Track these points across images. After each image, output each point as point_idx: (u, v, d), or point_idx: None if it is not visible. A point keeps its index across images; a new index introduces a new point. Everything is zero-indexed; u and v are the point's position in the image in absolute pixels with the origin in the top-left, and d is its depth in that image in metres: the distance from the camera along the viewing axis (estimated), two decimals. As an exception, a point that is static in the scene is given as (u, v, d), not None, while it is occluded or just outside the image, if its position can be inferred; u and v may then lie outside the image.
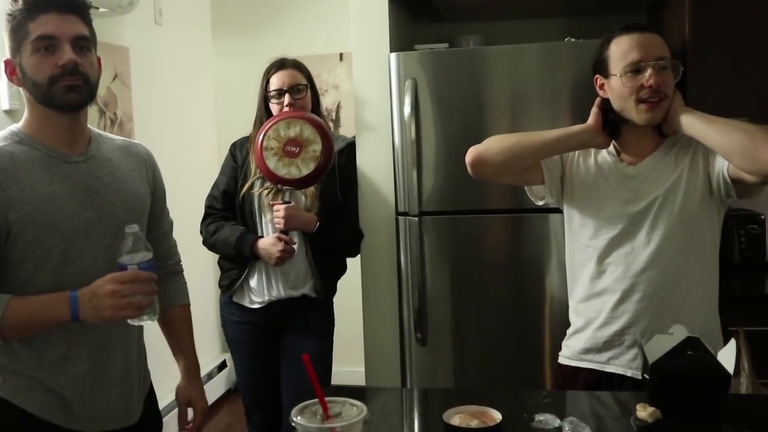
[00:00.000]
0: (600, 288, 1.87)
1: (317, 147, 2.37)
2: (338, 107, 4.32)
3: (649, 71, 1.77)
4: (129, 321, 1.56)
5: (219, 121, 4.42)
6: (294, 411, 1.30)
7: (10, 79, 1.62)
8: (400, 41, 2.82)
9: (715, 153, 1.77)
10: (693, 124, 1.76)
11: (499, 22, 3.14)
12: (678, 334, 1.55)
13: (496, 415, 1.45)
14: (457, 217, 2.64)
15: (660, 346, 1.52)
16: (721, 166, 1.77)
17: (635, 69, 1.79)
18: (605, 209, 1.86)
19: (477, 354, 2.67)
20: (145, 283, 1.53)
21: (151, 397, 1.86)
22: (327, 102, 4.32)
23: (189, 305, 1.98)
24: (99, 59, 1.69)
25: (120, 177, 1.72)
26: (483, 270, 2.64)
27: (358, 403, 1.32)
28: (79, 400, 1.63)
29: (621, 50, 1.82)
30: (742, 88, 2.57)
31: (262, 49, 3.96)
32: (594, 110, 1.87)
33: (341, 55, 4.23)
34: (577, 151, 1.95)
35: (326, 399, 1.30)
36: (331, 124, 4.30)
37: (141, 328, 1.79)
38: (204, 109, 4.36)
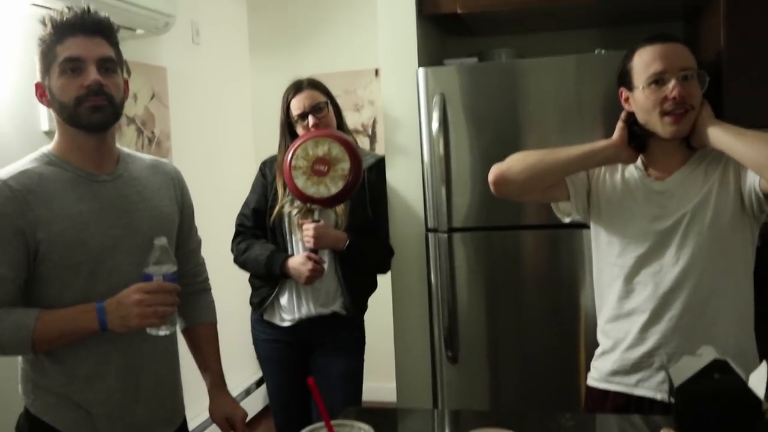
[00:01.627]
0: (628, 308, 1.82)
1: (346, 165, 2.36)
2: (374, 123, 4.32)
3: (672, 82, 1.72)
4: (148, 330, 1.60)
5: (257, 137, 4.47)
6: (301, 434, 1.29)
7: (41, 101, 1.67)
8: (431, 56, 2.81)
9: (746, 167, 1.71)
10: (721, 136, 1.70)
11: (530, 34, 3.10)
12: (707, 356, 1.49)
13: (516, 440, 1.41)
14: (488, 233, 2.61)
15: (687, 368, 1.47)
16: (753, 180, 1.70)
17: (658, 80, 1.74)
18: (632, 226, 1.81)
19: (509, 373, 2.62)
20: (169, 294, 1.58)
21: (180, 412, 1.87)
22: (363, 117, 4.33)
23: (215, 323, 1.99)
24: (126, 81, 1.73)
25: (148, 195, 1.75)
26: (515, 286, 2.61)
27: (365, 426, 1.31)
28: (107, 416, 1.66)
29: (644, 62, 1.77)
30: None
31: (299, 65, 4.03)
32: (619, 125, 1.83)
33: (376, 70, 4.24)
34: (603, 167, 1.90)
35: (334, 422, 1.29)
36: (367, 140, 4.32)
37: (175, 344, 1.83)
38: (242, 125, 4.42)
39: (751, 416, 1.39)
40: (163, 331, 1.62)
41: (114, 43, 1.66)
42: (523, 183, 1.86)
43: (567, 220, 1.99)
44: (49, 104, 1.65)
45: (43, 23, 1.61)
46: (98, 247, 1.61)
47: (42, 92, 1.64)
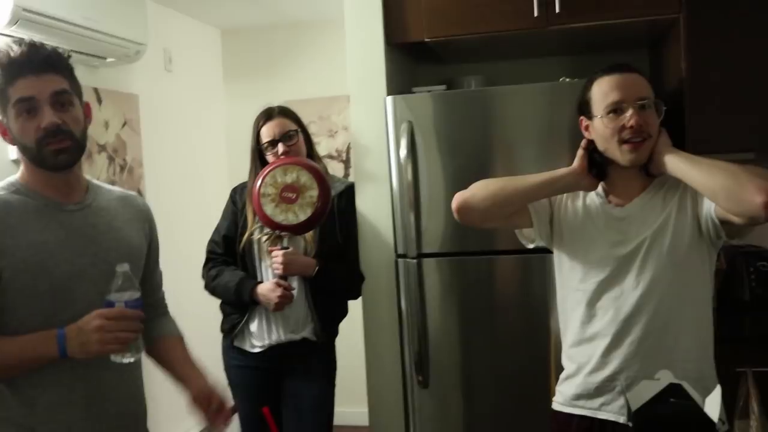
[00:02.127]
0: (590, 333, 1.84)
1: (314, 193, 2.38)
2: (348, 148, 4.35)
3: (630, 111, 1.76)
4: (112, 357, 1.58)
5: (231, 164, 4.47)
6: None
7: (4, 139, 1.66)
8: (400, 84, 2.85)
9: (701, 210, 1.75)
10: (677, 164, 1.74)
11: (499, 62, 3.15)
12: (664, 380, 1.52)
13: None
14: (458, 258, 2.63)
15: (645, 392, 1.49)
16: (709, 207, 1.74)
17: (616, 109, 1.78)
18: (593, 252, 1.84)
19: (481, 397, 2.63)
20: (131, 320, 1.56)
21: None
22: (337, 143, 4.36)
23: (181, 337, 1.95)
24: (88, 105, 1.72)
25: (116, 225, 1.75)
26: (485, 311, 2.62)
27: None
28: None
29: (602, 91, 1.81)
30: (741, 124, 2.55)
31: (274, 91, 4.05)
32: (579, 152, 1.86)
33: (350, 97, 4.27)
34: (565, 194, 1.93)
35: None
36: (341, 165, 4.35)
37: (140, 374, 1.81)
38: (216, 152, 4.43)
39: (706, 439, 1.41)
40: (127, 359, 1.59)
41: (67, 74, 1.64)
42: (485, 210, 1.88)
43: (531, 245, 2.01)
44: (12, 142, 1.64)
45: None
46: (63, 276, 1.60)
47: (4, 130, 1.64)
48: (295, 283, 2.50)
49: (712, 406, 1.42)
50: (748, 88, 2.54)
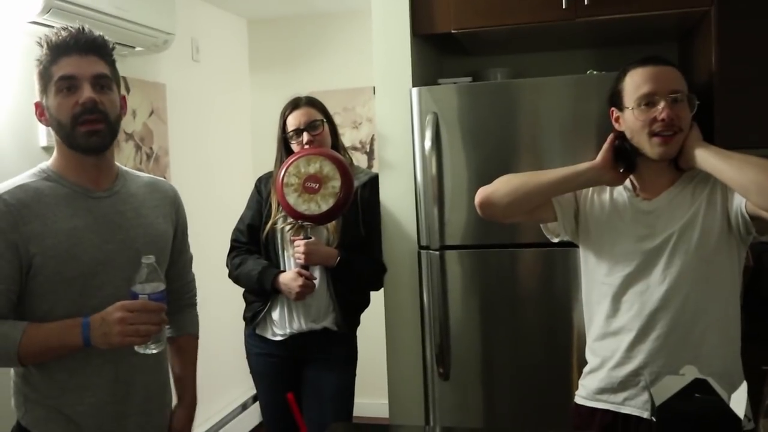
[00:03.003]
0: (615, 327, 1.83)
1: (336, 183, 2.39)
2: (372, 140, 4.35)
3: (662, 104, 1.74)
4: (136, 348, 1.60)
5: (255, 154, 4.49)
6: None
7: (40, 120, 1.70)
8: (425, 76, 2.84)
9: (731, 204, 1.73)
10: (708, 159, 1.72)
11: (525, 54, 3.13)
12: (689, 375, 1.50)
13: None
14: (481, 251, 2.62)
15: (669, 387, 1.47)
16: (739, 202, 1.72)
17: (648, 102, 1.76)
18: (619, 245, 1.83)
19: (502, 390, 2.63)
20: (153, 313, 1.58)
21: (167, 425, 1.88)
22: (361, 135, 4.36)
23: (197, 337, 2.01)
24: (124, 98, 1.76)
25: (143, 212, 1.77)
26: (507, 304, 2.61)
27: None
28: (97, 429, 1.67)
29: (635, 83, 1.79)
30: (770, 119, 2.51)
31: (299, 82, 4.06)
32: (605, 146, 1.84)
33: (374, 88, 4.26)
34: (591, 187, 1.92)
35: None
36: (365, 157, 4.35)
37: (166, 359, 1.85)
38: (240, 142, 4.45)
39: (731, 436, 1.40)
40: (150, 350, 1.62)
41: (109, 61, 1.69)
42: (507, 206, 1.88)
43: (556, 240, 2.00)
44: (47, 123, 1.68)
45: (40, 44, 1.64)
46: (91, 262, 1.63)
47: (41, 111, 1.67)
48: (317, 273, 2.51)
49: (738, 402, 1.41)
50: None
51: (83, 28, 1.65)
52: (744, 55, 2.50)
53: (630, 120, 1.80)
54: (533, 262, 2.61)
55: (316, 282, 2.48)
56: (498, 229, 2.57)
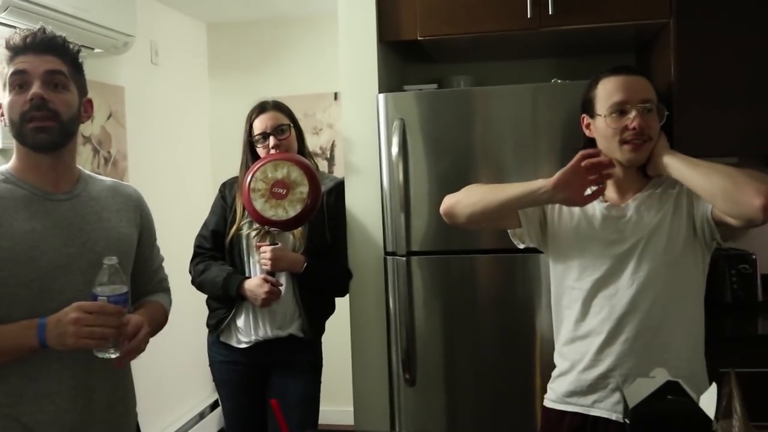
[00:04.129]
0: (585, 330, 1.86)
1: (304, 189, 2.38)
2: (332, 146, 4.35)
3: (633, 113, 1.78)
4: (95, 352, 1.56)
5: (214, 160, 4.44)
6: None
7: (2, 120, 1.67)
8: (390, 82, 2.85)
9: (699, 196, 1.77)
10: (676, 166, 1.76)
11: (489, 62, 3.17)
12: (660, 378, 1.53)
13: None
14: (447, 257, 2.63)
15: (641, 390, 1.50)
16: (705, 209, 1.76)
17: (620, 110, 1.80)
18: (589, 250, 1.86)
19: (467, 395, 2.64)
20: (111, 316, 1.54)
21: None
22: (321, 141, 4.35)
23: (165, 310, 1.90)
24: (89, 101, 1.74)
25: (105, 216, 1.74)
26: (473, 310, 2.63)
27: None
28: None
29: (607, 91, 1.83)
30: (727, 128, 2.59)
31: (258, 88, 4.02)
32: (566, 167, 1.78)
33: (335, 94, 4.27)
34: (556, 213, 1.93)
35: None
36: (325, 163, 4.34)
37: (128, 364, 1.78)
38: (200, 147, 4.39)
39: (702, 436, 1.43)
40: (110, 354, 1.57)
41: (68, 61, 1.66)
42: (469, 217, 1.90)
43: (521, 246, 2.02)
44: (4, 122, 1.66)
45: (5, 46, 1.63)
46: (49, 265, 1.59)
47: (2, 112, 1.65)
48: (283, 279, 2.49)
49: (709, 403, 1.44)
50: (735, 91, 2.58)
51: (44, 29, 1.64)
52: (701, 65, 2.58)
53: (602, 127, 1.83)
54: (497, 267, 2.64)
55: (283, 288, 2.46)
56: (462, 236, 2.59)
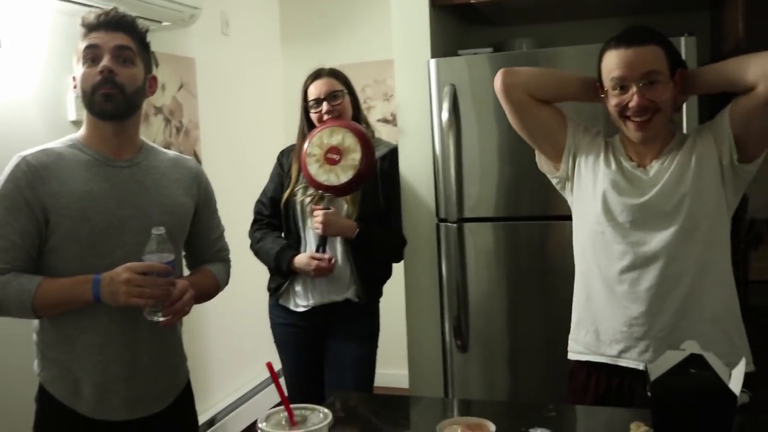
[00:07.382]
0: (609, 278, 1.83)
1: (357, 156, 2.41)
2: (402, 112, 4.33)
3: (632, 89, 1.73)
4: (144, 314, 1.68)
5: (288, 127, 4.52)
6: (260, 417, 1.34)
7: (75, 91, 1.82)
8: (445, 47, 2.81)
9: (718, 132, 1.74)
10: (710, 75, 1.77)
11: (551, 24, 3.08)
12: (690, 350, 1.49)
13: (491, 427, 1.44)
14: (499, 224, 2.61)
15: (666, 363, 1.47)
16: (726, 127, 1.73)
17: (620, 86, 1.75)
18: (612, 201, 1.82)
19: (517, 363, 2.63)
20: (159, 280, 1.66)
21: (185, 388, 1.95)
22: (392, 107, 4.35)
23: (217, 280, 2.00)
24: (154, 78, 1.87)
25: (163, 184, 1.85)
26: (525, 277, 2.60)
27: (325, 410, 1.37)
28: (102, 388, 1.75)
29: (607, 66, 1.78)
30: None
31: (331, 55, 4.05)
32: None
33: (395, 60, 4.23)
34: (593, 146, 1.90)
35: (293, 406, 1.34)
36: (395, 129, 4.33)
37: (177, 328, 1.90)
38: (272, 115, 4.48)
39: (726, 411, 1.38)
40: (158, 317, 1.69)
41: (136, 38, 1.79)
42: (526, 82, 1.89)
43: (556, 174, 1.98)
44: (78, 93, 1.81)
45: (80, 23, 1.78)
46: (103, 224, 1.72)
47: (75, 84, 1.79)
48: (338, 244, 2.54)
49: (735, 378, 1.39)
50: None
51: (116, 9, 1.78)
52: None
53: (607, 101, 1.80)
54: (547, 235, 2.59)
55: (339, 254, 2.51)
56: (513, 203, 2.56)
